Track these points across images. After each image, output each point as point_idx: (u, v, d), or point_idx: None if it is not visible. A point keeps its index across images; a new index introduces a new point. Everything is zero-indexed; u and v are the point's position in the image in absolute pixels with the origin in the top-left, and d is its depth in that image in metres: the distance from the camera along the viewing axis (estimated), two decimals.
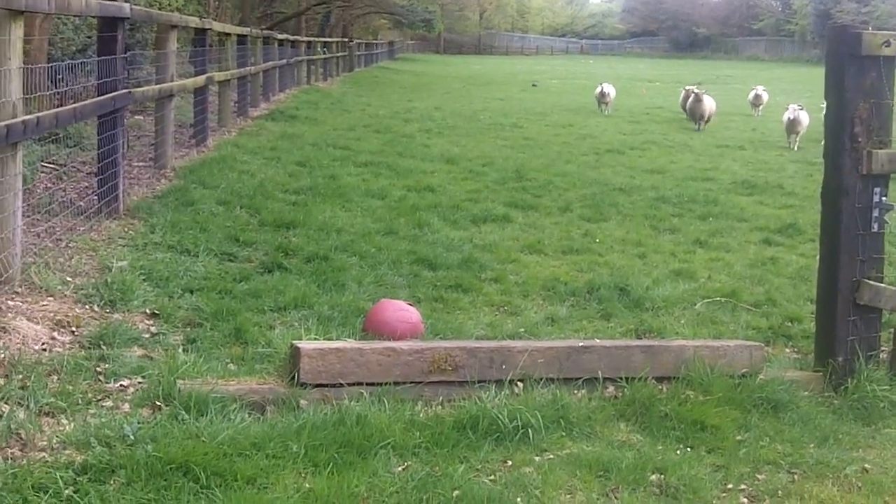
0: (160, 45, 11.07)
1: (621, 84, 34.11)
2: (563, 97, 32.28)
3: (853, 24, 5.70)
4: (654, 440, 4.58)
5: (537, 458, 4.31)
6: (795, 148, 18.51)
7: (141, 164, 10.89)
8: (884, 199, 5.39)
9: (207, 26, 13.02)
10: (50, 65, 8.39)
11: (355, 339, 5.39)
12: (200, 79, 12.51)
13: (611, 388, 5.05)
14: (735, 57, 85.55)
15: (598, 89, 25.81)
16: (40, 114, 6.32)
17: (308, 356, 4.59)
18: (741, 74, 53.06)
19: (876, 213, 5.36)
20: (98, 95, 7.91)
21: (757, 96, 26.36)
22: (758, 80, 35.00)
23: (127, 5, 8.25)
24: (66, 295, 5.99)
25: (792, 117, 18.59)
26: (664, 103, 29.31)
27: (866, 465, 4.49)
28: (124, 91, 8.32)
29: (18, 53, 5.67)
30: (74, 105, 7.34)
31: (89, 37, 13.63)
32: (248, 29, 18.41)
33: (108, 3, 7.79)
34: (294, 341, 4.83)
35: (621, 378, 5.04)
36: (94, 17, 8.08)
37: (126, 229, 7.95)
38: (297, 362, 4.60)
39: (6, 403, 4.20)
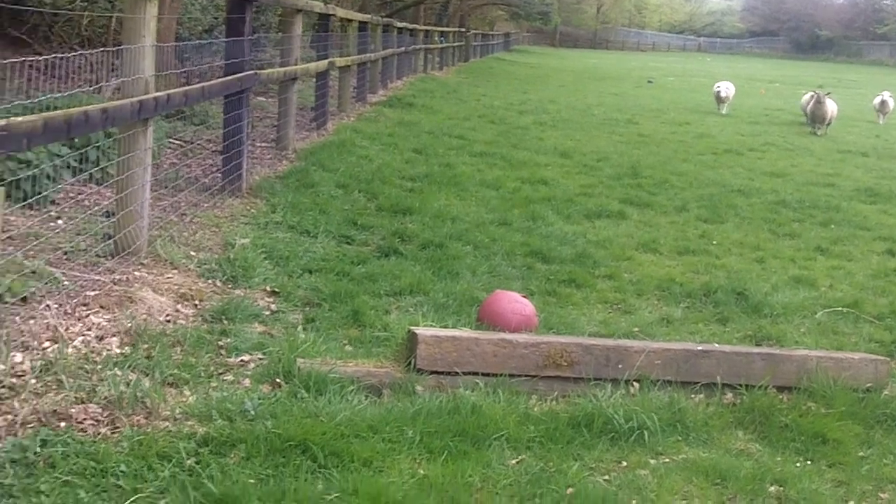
0: (285, 28, 11.22)
1: (739, 84, 33.47)
2: (680, 95, 31.86)
3: None
4: (773, 451, 4.50)
5: (652, 462, 4.26)
6: None
7: (263, 144, 11.08)
8: None
9: (331, 12, 13.16)
10: (181, 44, 8.55)
11: (470, 328, 5.39)
12: (322, 63, 12.65)
13: (729, 395, 4.97)
14: (858, 61, 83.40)
15: (717, 88, 25.32)
16: (171, 91, 6.46)
17: (425, 343, 4.61)
18: (864, 79, 51.71)
19: None
20: (225, 75, 8.05)
21: (883, 102, 25.31)
22: (882, 86, 34.09)
23: None
24: (189, 269, 6.12)
25: None
26: (784, 105, 28.70)
27: None
28: (251, 72, 8.46)
29: (152, 31, 5.80)
30: (203, 84, 7.49)
31: (216, 17, 13.90)
32: (370, 16, 18.55)
33: None
34: (411, 327, 4.87)
35: (740, 385, 4.96)
36: None
37: (248, 207, 8.11)
38: (413, 348, 4.63)
39: (132, 372, 4.31)
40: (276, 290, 6.15)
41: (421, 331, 4.71)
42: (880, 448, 4.64)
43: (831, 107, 21.23)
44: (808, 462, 4.43)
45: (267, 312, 5.73)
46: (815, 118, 21.33)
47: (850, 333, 6.80)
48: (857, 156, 17.84)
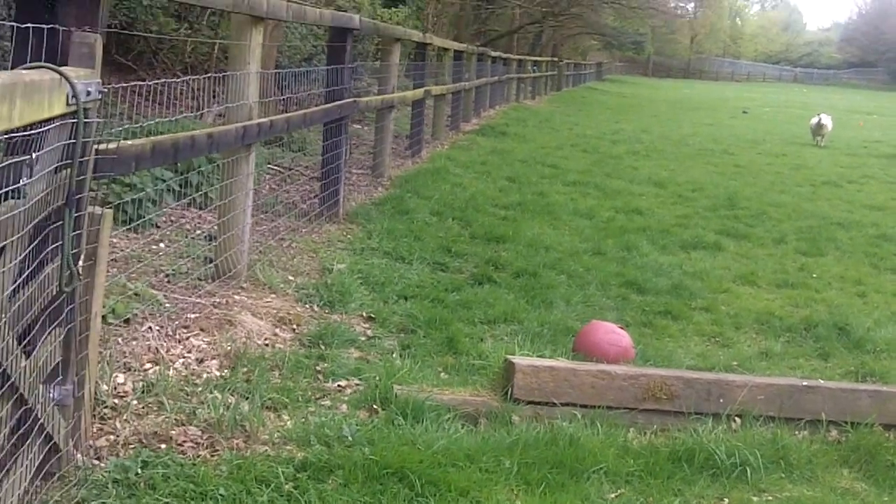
0: (384, 57, 11.34)
1: (837, 115, 32.93)
2: (776, 126, 31.43)
3: None
4: (879, 490, 4.38)
5: (755, 499, 4.17)
6: None
7: (359, 171, 11.18)
8: None
9: (428, 41, 13.28)
10: (283, 70, 8.69)
11: (566, 359, 5.34)
12: (419, 91, 12.76)
13: (834, 432, 4.85)
14: None
15: (815, 119, 24.84)
16: (273, 117, 6.56)
17: (522, 372, 4.59)
18: None
19: None
20: (325, 103, 8.15)
21: None
22: None
23: (357, 17, 8.49)
24: (287, 293, 6.18)
25: None
26: (883, 137, 28.16)
27: None
28: (350, 100, 8.55)
29: (257, 58, 5.90)
30: (305, 111, 7.59)
31: (315, 46, 14.11)
32: (465, 45, 18.68)
33: (340, 13, 8.05)
34: (508, 356, 4.84)
35: (846, 422, 4.84)
36: (326, 26, 8.33)
37: (345, 233, 8.18)
38: (510, 377, 4.60)
39: (232, 395, 4.35)
40: (373, 315, 6.17)
41: (518, 360, 4.69)
42: None
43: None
44: None
45: (363, 338, 5.75)
46: None
47: None
48: None
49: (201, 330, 5.16)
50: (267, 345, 5.24)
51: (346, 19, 8.25)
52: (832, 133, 25.25)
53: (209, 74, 6.93)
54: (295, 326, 5.65)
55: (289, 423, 4.21)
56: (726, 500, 4.14)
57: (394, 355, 5.44)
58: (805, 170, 18.52)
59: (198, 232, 7.14)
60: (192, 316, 5.29)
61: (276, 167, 10.01)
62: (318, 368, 4.99)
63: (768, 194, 14.22)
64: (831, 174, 18.01)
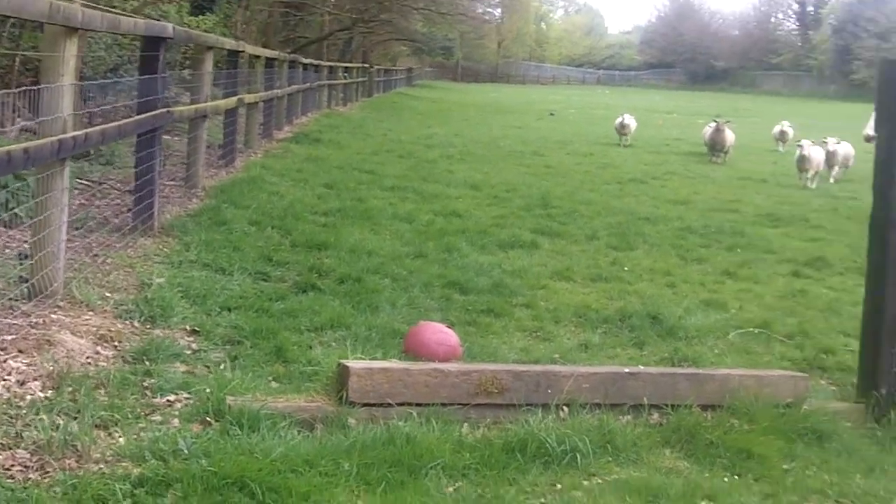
0: (195, 65, 11.17)
1: (638, 115, 34.17)
2: (582, 127, 32.39)
3: None
4: (700, 467, 4.60)
5: (586, 483, 4.32)
6: (812, 185, 18.11)
7: (171, 183, 10.95)
8: None
9: (241, 48, 13.15)
10: (98, 82, 8.47)
11: (398, 360, 5.40)
12: (232, 100, 12.61)
13: (655, 415, 5.06)
14: (753, 91, 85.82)
15: (619, 120, 25.68)
16: (89, 130, 6.39)
17: (357, 375, 4.62)
18: (759, 108, 53.25)
19: None
20: (138, 114, 7.97)
21: (782, 132, 26.16)
22: (777, 115, 35.11)
23: (170, 26, 8.35)
24: (106, 310, 6.02)
25: (805, 154, 18.09)
26: (682, 135, 29.38)
27: None
28: (164, 110, 8.39)
29: (71, 70, 5.74)
30: (119, 122, 7.41)
31: (120, 56, 13.75)
32: (277, 52, 18.56)
33: (153, 22, 7.90)
34: (342, 360, 4.86)
35: (666, 405, 5.06)
36: (139, 36, 8.15)
37: (161, 247, 8.00)
38: (345, 381, 4.63)
39: (59, 415, 4.23)
40: (196, 328, 6.08)
41: (352, 364, 4.72)
42: (803, 461, 4.77)
43: (730, 135, 21.79)
44: (736, 477, 4.54)
45: (188, 352, 5.65)
46: (715, 146, 21.84)
47: (763, 353, 7.00)
48: (756, 182, 18.34)
49: (20, 351, 4.99)
50: (89, 363, 5.10)
51: (159, 28, 8.09)
52: (635, 132, 26.18)
53: (22, 88, 6.67)
54: (116, 343, 5.51)
55: (121, 440, 4.12)
56: (559, 485, 4.27)
57: (222, 367, 5.38)
58: (612, 168, 19.17)
59: (7, 251, 6.88)
60: (9, 338, 5.11)
61: (85, 181, 9.72)
62: (145, 384, 4.89)
63: (579, 193, 14.65)
64: (636, 172, 18.69)
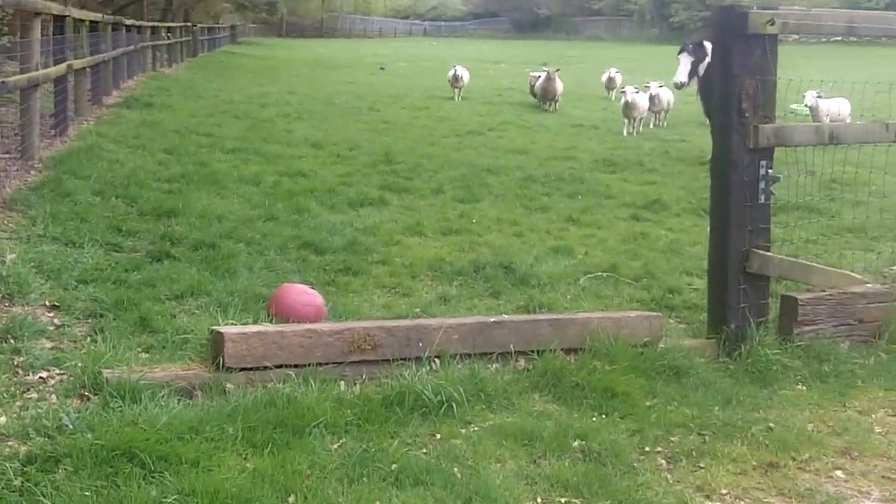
0: (24, 32, 10.79)
1: (468, 66, 34.53)
2: (413, 80, 32.53)
3: (739, 5, 6.03)
4: (569, 409, 4.82)
5: (463, 431, 4.50)
6: (633, 132, 18.37)
7: (6, 156, 10.61)
8: (770, 171, 5.75)
9: (67, 13, 12.75)
10: None
11: (269, 324, 5.47)
12: (61, 67, 12.23)
13: (522, 361, 5.27)
14: (576, 37, 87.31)
15: (451, 72, 25.72)
16: None
17: (232, 340, 4.67)
18: (583, 55, 54.38)
19: (762, 186, 5.71)
20: None
21: (610, 79, 26.39)
22: (600, 60, 35.95)
23: None
24: None
25: (629, 100, 18.29)
26: (513, 84, 29.84)
27: (770, 425, 4.80)
28: None
29: None
30: None
31: None
32: (101, 15, 18.01)
33: None
34: (215, 327, 4.90)
35: (532, 351, 5.28)
36: None
37: (6, 222, 7.80)
38: (220, 347, 4.67)
39: None
40: (56, 304, 5.98)
41: (226, 329, 4.76)
42: (664, 396, 5.05)
43: (559, 84, 22.26)
44: (603, 416, 4.78)
45: (52, 328, 5.58)
46: (546, 95, 22.29)
47: (613, 296, 7.31)
48: (589, 129, 18.86)
49: None
50: None
51: None
52: (469, 84, 26.36)
53: None
54: None
55: (1, 419, 4.09)
56: (438, 435, 4.44)
57: (87, 341, 5.35)
58: (448, 121, 19.40)
59: None
60: None
61: None
62: (14, 363, 4.83)
63: (420, 147, 14.83)
64: (473, 123, 18.97)
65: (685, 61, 14.65)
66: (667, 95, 19.41)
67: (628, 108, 18.32)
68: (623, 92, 18.90)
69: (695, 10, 79.11)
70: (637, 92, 18.58)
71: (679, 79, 14.63)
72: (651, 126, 19.52)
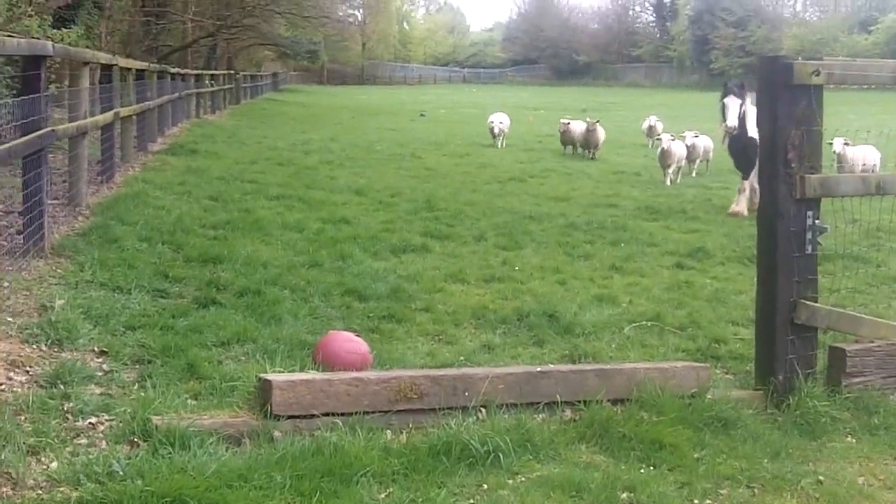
0: (73, 81, 11.01)
1: (507, 112, 34.70)
2: (454, 126, 32.73)
3: (785, 56, 6.02)
4: (616, 460, 4.80)
5: (510, 482, 4.48)
6: (670, 182, 17.96)
7: (54, 201, 10.77)
8: (817, 221, 5.73)
9: (114, 62, 12.99)
10: None
11: (314, 371, 5.49)
12: (109, 115, 12.45)
13: (568, 412, 5.24)
14: (616, 83, 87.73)
15: (491, 122, 25.61)
16: None
17: (279, 388, 4.69)
18: (623, 101, 54.49)
19: (809, 236, 5.69)
20: (24, 135, 7.85)
21: (651, 127, 26.11)
22: (640, 107, 35.99)
23: (50, 43, 8.24)
24: (11, 335, 5.96)
25: (665, 148, 17.90)
26: (553, 131, 29.77)
27: (820, 478, 4.76)
28: (49, 129, 8.28)
29: None
30: (7, 145, 7.28)
31: None
32: (147, 64, 18.32)
33: (35, 41, 7.78)
34: (263, 374, 4.93)
35: (578, 401, 5.26)
36: (21, 55, 8.01)
37: (55, 268, 7.90)
38: (268, 394, 4.70)
39: None
40: (105, 349, 6.05)
41: (274, 377, 4.79)
42: (712, 448, 5.01)
43: (601, 133, 22.30)
44: (651, 468, 4.75)
45: (100, 373, 5.64)
46: (588, 145, 22.33)
47: (658, 345, 7.27)
48: (630, 176, 18.85)
49: None
50: (3, 390, 5.06)
51: (40, 46, 7.97)
52: (509, 131, 26.40)
53: None
54: (28, 368, 5.47)
55: (53, 464, 4.13)
56: (485, 485, 4.43)
57: (136, 387, 5.40)
58: (490, 168, 19.48)
59: None
60: None
61: None
62: (64, 408, 4.88)
63: (462, 194, 14.89)
64: (514, 170, 19.04)
65: (734, 105, 14.08)
66: (703, 143, 19.27)
67: (665, 157, 17.99)
68: (659, 139, 18.70)
69: (735, 57, 79.30)
70: (674, 139, 18.28)
71: (731, 122, 14.04)
72: (693, 174, 19.45)
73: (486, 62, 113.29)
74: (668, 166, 18.05)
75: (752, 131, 13.61)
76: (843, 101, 36.98)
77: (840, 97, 33.36)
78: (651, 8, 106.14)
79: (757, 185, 13.99)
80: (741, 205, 14.30)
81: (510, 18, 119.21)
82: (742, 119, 14.01)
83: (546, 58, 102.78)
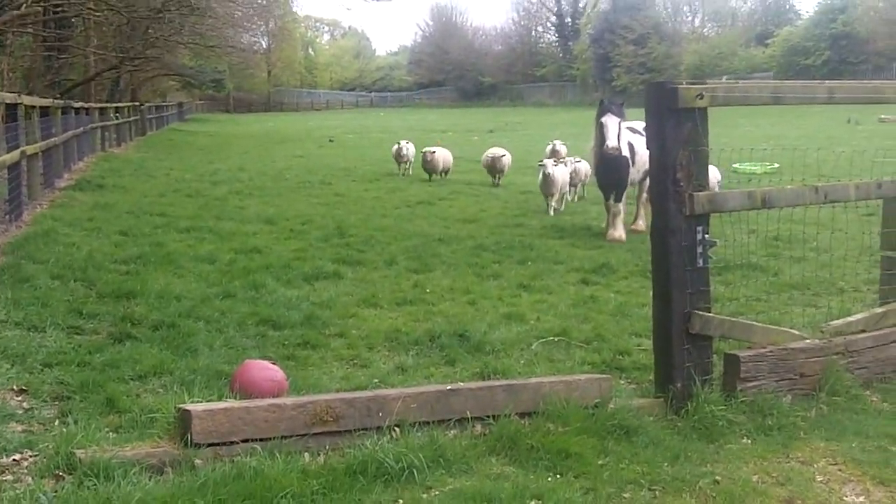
0: None
1: (415, 136, 34.94)
2: (363, 151, 32.94)
3: (670, 80, 6.37)
4: (525, 471, 5.03)
5: (425, 496, 4.68)
6: (553, 212, 16.70)
7: None
8: (706, 236, 6.06)
9: (20, 101, 12.97)
10: None
11: (234, 400, 5.63)
12: (15, 153, 12.43)
13: (479, 427, 5.47)
14: (521, 103, 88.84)
15: (395, 148, 24.92)
16: None
17: (199, 417, 4.84)
18: (529, 120, 55.21)
19: (700, 250, 6.01)
20: None
21: (555, 151, 25.70)
22: (545, 126, 36.53)
23: None
24: None
25: (548, 173, 16.47)
26: (460, 153, 30.19)
27: (717, 478, 5.05)
28: None
29: None
30: None
31: None
32: (52, 100, 18.23)
33: None
34: (181, 405, 5.07)
35: (488, 416, 5.49)
36: None
37: None
38: (188, 424, 4.84)
39: None
40: (24, 388, 6.14)
41: (192, 407, 4.93)
42: (615, 455, 5.27)
43: (507, 161, 22.21)
44: (558, 476, 4.99)
45: (20, 411, 5.73)
46: (493, 172, 22.27)
47: (565, 359, 7.54)
48: (537, 196, 19.11)
49: None
50: None
51: None
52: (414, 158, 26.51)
53: None
54: None
55: None
56: (400, 501, 4.62)
57: (56, 423, 5.50)
58: (399, 192, 19.73)
59: None
60: None
61: None
62: None
63: (372, 219, 15.09)
64: (423, 194, 19.30)
65: (613, 124, 13.37)
66: (585, 168, 18.30)
67: (547, 184, 16.54)
68: (541, 165, 16.95)
69: (636, 74, 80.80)
70: (557, 164, 16.98)
71: (613, 143, 13.32)
72: (576, 200, 18.87)
73: (393, 86, 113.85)
74: (552, 195, 16.76)
75: (624, 149, 13.70)
76: (743, 114, 38.12)
77: (738, 109, 34.33)
78: (553, 28, 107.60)
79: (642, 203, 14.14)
80: (620, 229, 13.91)
81: (415, 41, 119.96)
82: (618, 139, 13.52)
83: (452, 80, 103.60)
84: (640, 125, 14.64)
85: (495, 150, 22.67)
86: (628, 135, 14.03)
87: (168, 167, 24.90)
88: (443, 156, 23.28)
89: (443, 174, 23.21)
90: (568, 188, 17.70)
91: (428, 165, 22.99)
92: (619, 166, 13.80)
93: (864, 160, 8.73)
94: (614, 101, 13.90)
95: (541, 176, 16.62)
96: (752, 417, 5.99)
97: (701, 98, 5.96)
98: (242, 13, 38.81)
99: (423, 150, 23.30)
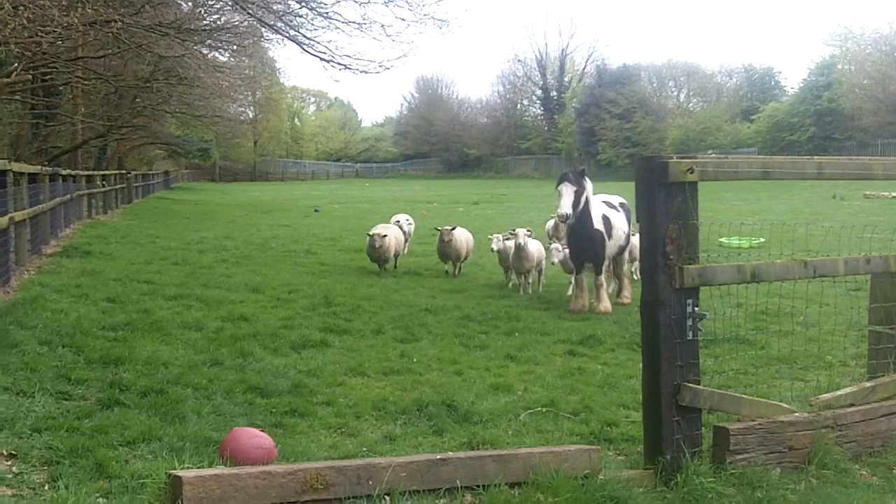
0: None
1: (401, 206, 35.08)
2: (348, 221, 33.02)
3: (660, 155, 6.47)
4: None
5: None
6: (523, 291, 15.49)
7: None
8: (696, 309, 6.13)
9: (9, 168, 13.05)
10: None
11: (224, 467, 5.64)
12: (4, 220, 12.48)
13: (468, 497, 5.48)
14: (506, 175, 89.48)
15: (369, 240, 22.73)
16: None
17: (190, 483, 4.84)
18: (514, 192, 55.50)
19: (690, 323, 6.08)
20: None
21: (557, 227, 23.97)
22: (530, 198, 36.85)
23: None
24: None
25: (521, 243, 15.15)
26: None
27: None
28: None
29: None
30: None
31: None
32: (40, 167, 18.33)
33: None
34: (172, 471, 5.07)
35: (477, 486, 5.50)
36: None
37: None
38: (178, 490, 4.84)
39: None
40: (14, 452, 6.12)
41: (183, 473, 4.93)
42: None
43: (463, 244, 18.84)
44: None
45: (10, 475, 5.72)
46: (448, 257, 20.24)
47: (553, 430, 7.57)
48: None
49: None
50: None
51: None
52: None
53: None
54: None
55: None
56: None
57: (46, 488, 5.49)
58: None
59: None
60: None
61: None
62: None
63: (358, 289, 15.13)
64: (410, 264, 19.41)
65: (567, 192, 13.31)
66: (535, 247, 15.86)
67: (521, 258, 15.38)
68: (490, 239, 16.35)
69: (622, 147, 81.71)
70: (530, 235, 15.57)
71: (564, 210, 13.26)
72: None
73: (379, 157, 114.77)
74: (528, 270, 15.54)
75: (598, 223, 13.82)
76: (729, 188, 38.52)
77: (724, 183, 34.66)
78: (539, 101, 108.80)
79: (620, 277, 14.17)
80: (605, 301, 13.86)
81: (400, 113, 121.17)
82: (586, 208, 13.55)
83: (437, 151, 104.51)
84: (617, 199, 14.87)
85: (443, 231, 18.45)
86: (604, 209, 14.19)
87: (154, 235, 24.93)
88: (465, 238, 18.60)
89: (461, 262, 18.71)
90: (544, 263, 16.00)
91: (376, 252, 17.95)
92: (593, 240, 13.83)
93: (852, 235, 8.84)
94: (574, 170, 13.83)
95: (514, 247, 15.34)
96: (742, 490, 6.01)
97: (691, 172, 6.07)
98: (230, 83, 39.07)
99: (372, 233, 18.04)
